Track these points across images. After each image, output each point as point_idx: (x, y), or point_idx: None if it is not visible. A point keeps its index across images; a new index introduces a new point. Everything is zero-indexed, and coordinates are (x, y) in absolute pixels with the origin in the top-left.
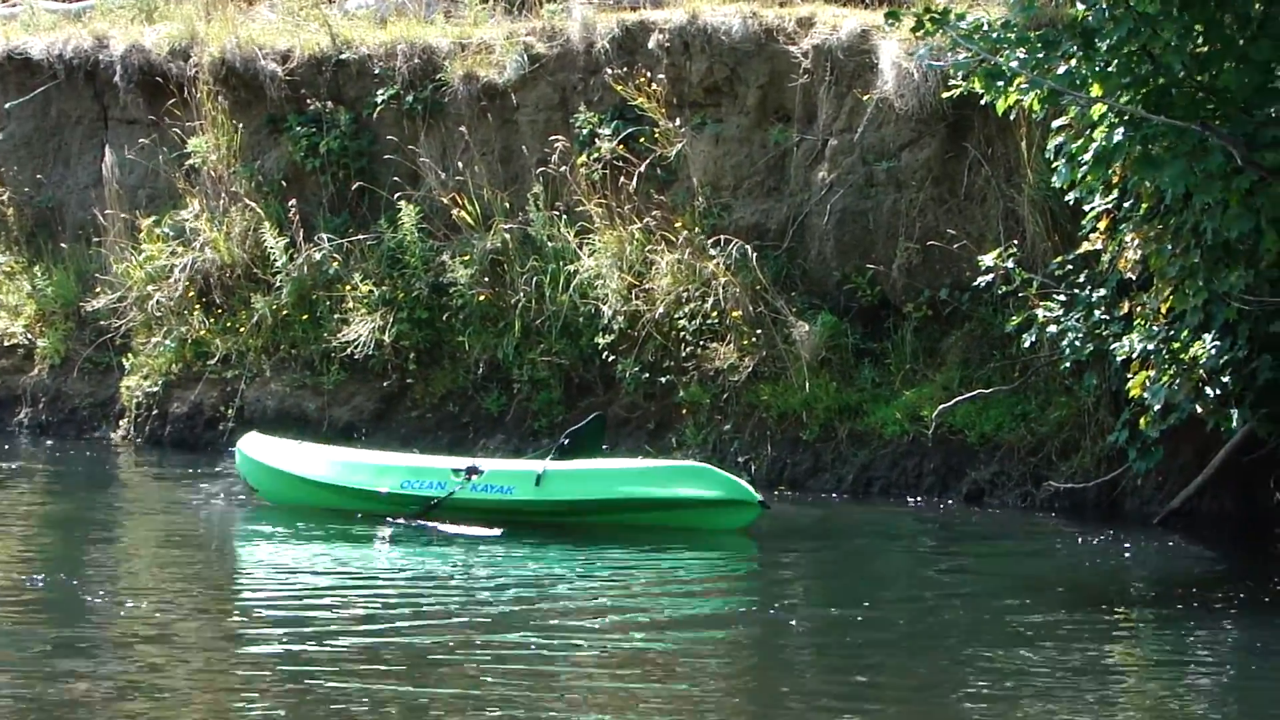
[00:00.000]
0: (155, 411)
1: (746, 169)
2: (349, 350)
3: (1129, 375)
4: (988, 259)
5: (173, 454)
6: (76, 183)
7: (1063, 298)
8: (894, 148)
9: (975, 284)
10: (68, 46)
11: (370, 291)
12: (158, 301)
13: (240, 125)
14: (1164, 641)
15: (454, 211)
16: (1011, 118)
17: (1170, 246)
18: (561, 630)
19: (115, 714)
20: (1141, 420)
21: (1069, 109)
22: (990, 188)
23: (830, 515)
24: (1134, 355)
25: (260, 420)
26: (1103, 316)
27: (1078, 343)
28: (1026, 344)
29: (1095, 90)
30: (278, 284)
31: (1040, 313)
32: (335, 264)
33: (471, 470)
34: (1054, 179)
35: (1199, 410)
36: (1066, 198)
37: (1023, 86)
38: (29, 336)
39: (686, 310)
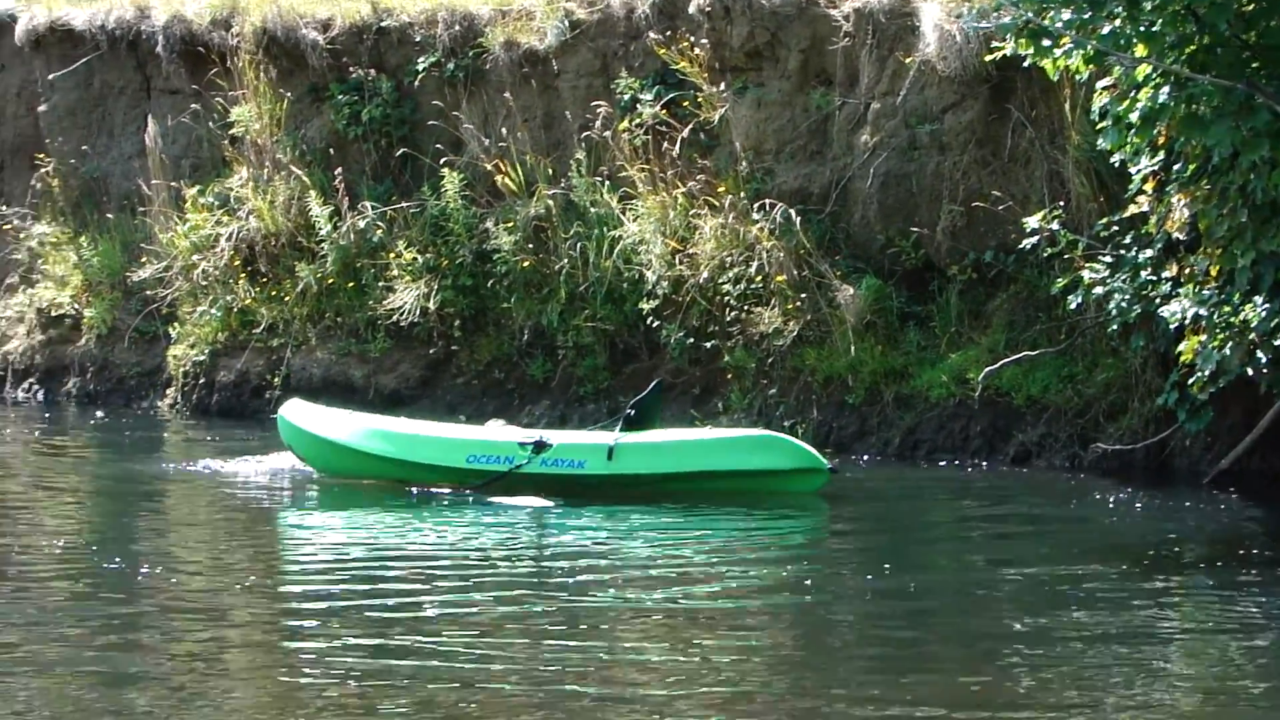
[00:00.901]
0: (202, 380)
1: (789, 133)
2: (394, 318)
3: (1180, 340)
4: (1032, 221)
5: (219, 422)
6: (120, 153)
7: (1108, 259)
8: (937, 110)
9: (1020, 246)
10: (110, 17)
11: (414, 259)
12: (203, 271)
13: (283, 94)
14: (1217, 604)
15: (497, 178)
16: (1054, 79)
17: (1218, 207)
18: (628, 595)
19: (168, 690)
20: (1192, 384)
21: (1113, 70)
22: (1034, 149)
23: (877, 478)
24: (1185, 320)
25: (306, 388)
26: (1149, 278)
27: (1124, 304)
28: (1073, 306)
29: (1140, 50)
30: (322, 252)
31: (1086, 274)
32: (379, 232)
33: (540, 445)
34: (1099, 141)
35: (1250, 373)
36: (1112, 159)
37: (1067, 47)
38: (76, 307)
39: (730, 275)
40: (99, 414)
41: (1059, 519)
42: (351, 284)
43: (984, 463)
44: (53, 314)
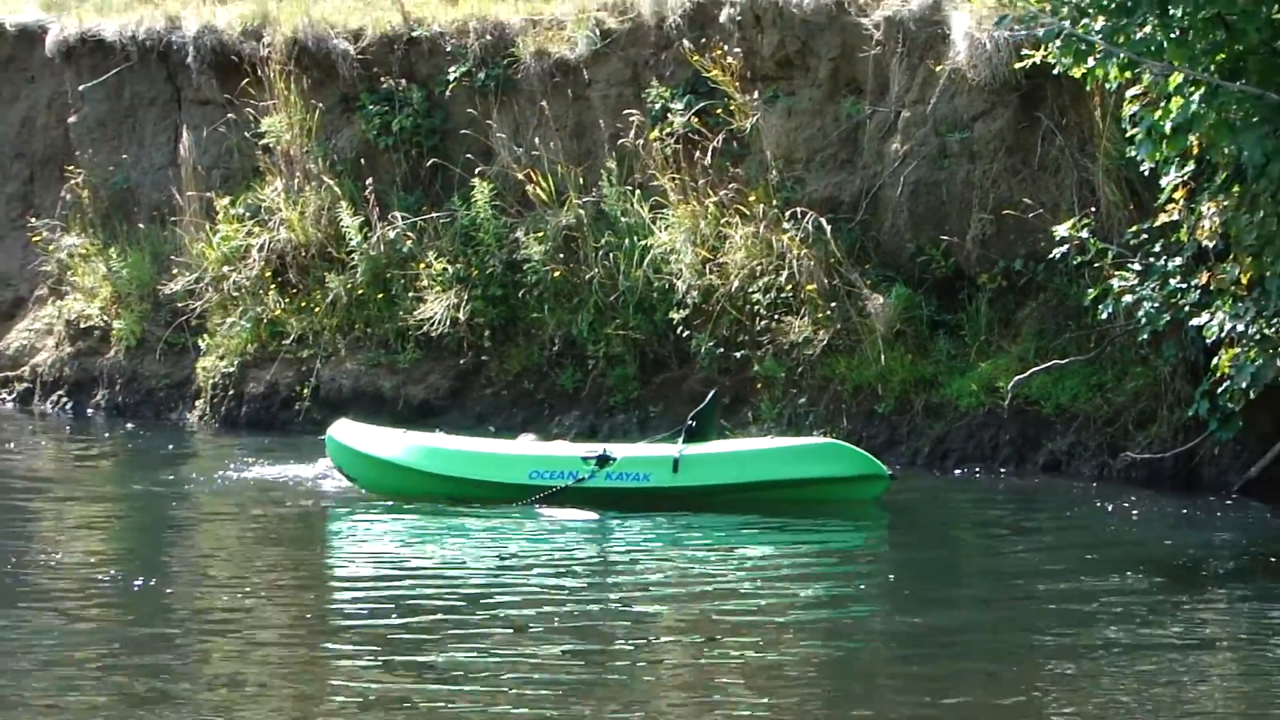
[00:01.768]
0: (231, 392)
1: (819, 142)
2: (424, 328)
3: (1211, 350)
4: (1062, 229)
5: (249, 434)
6: (151, 164)
7: (1138, 267)
8: (967, 118)
9: (1050, 255)
10: (141, 28)
11: (444, 269)
12: (233, 282)
13: (314, 104)
14: (1247, 613)
15: (527, 188)
16: (1087, 88)
17: (1248, 214)
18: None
19: (201, 705)
20: (1223, 393)
21: (1143, 78)
22: (1064, 157)
23: (905, 488)
24: (1222, 333)
25: (335, 399)
26: (1179, 286)
27: (1154, 312)
28: (1103, 315)
29: (1174, 57)
30: (352, 263)
31: (1116, 282)
32: (409, 242)
33: (604, 459)
34: (1130, 150)
35: None
36: (1141, 167)
37: (1101, 56)
38: (105, 318)
39: (761, 284)
40: (128, 426)
41: (1088, 529)
42: (381, 294)
43: (1014, 472)
44: (82, 326)
